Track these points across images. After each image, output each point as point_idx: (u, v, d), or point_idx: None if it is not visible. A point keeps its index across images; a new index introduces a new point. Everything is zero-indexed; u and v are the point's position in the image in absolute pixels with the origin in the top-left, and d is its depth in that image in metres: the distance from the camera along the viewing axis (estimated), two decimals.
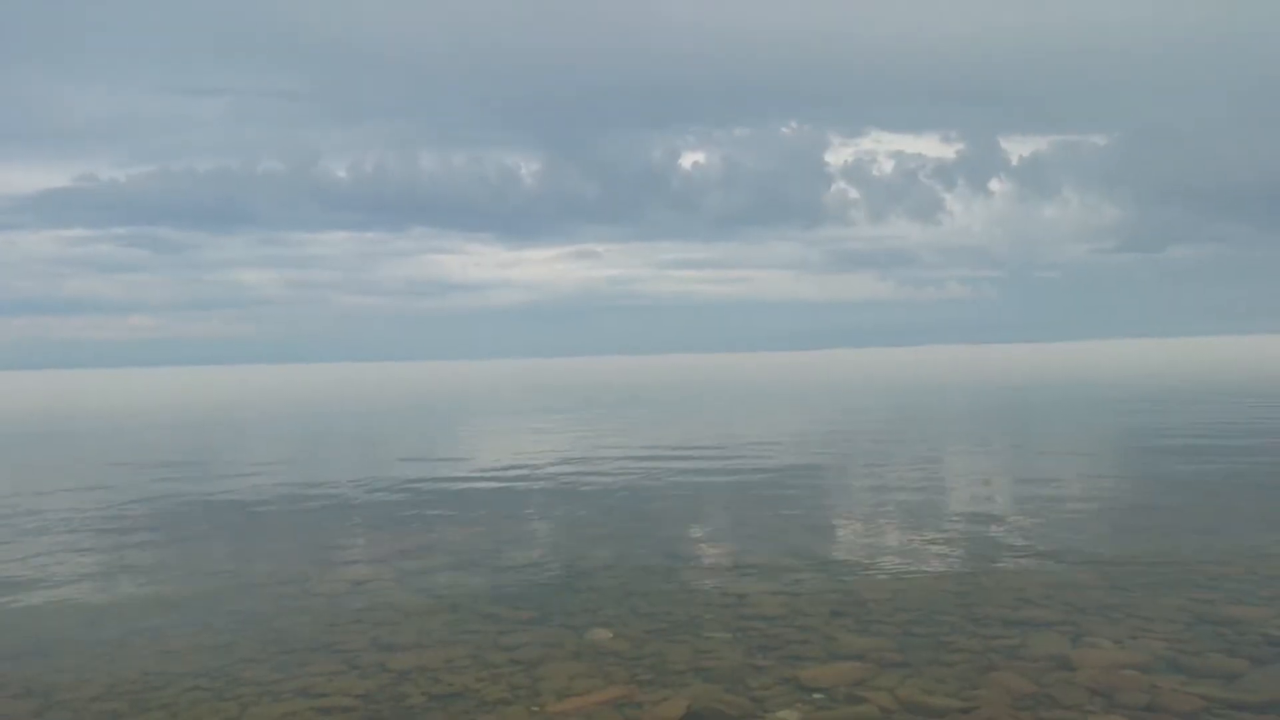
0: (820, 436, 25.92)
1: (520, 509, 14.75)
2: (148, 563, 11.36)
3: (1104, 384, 51.27)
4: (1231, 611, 8.00)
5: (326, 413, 45.50)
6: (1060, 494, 14.64)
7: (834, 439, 25.02)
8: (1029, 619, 7.96)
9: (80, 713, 6.39)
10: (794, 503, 14.64)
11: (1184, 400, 35.92)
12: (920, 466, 18.55)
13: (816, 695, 6.38)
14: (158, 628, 8.38)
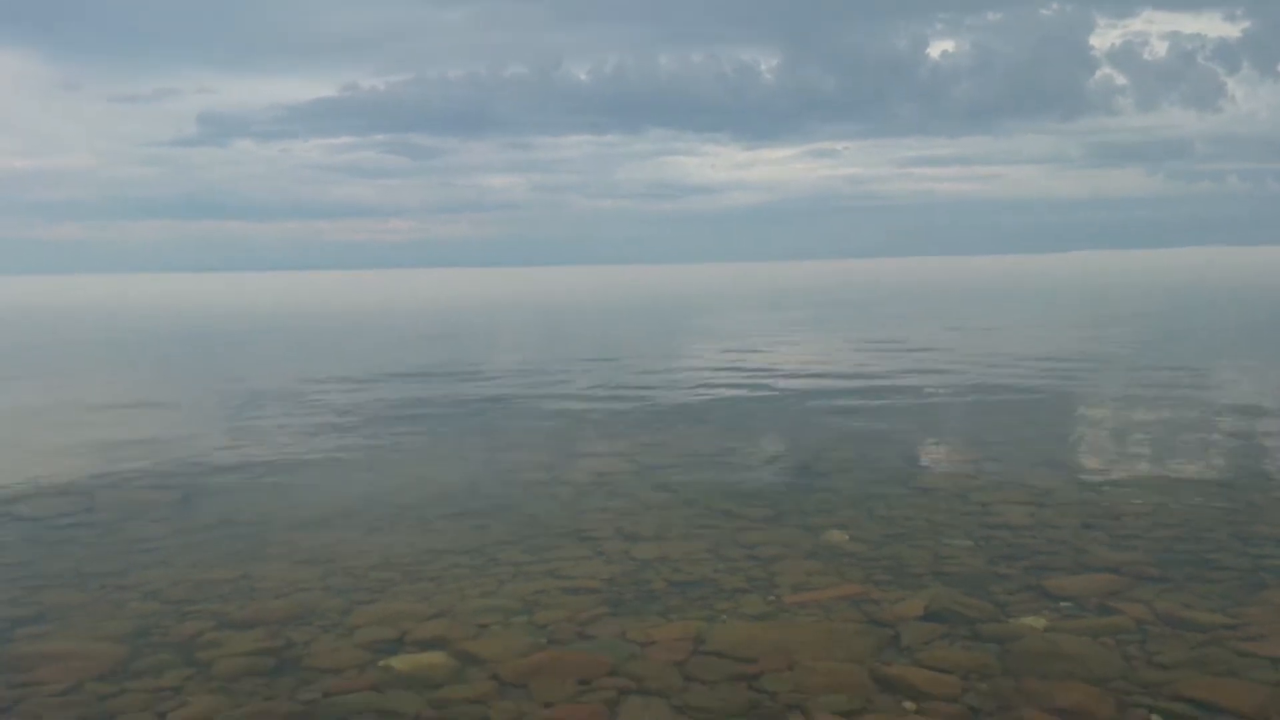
0: (1073, 343, 24.51)
1: (754, 410, 14.88)
2: (413, 451, 12.31)
3: None
4: None
5: (567, 315, 47.26)
6: None
7: (1089, 346, 23.59)
8: None
9: (360, 579, 7.08)
10: (1042, 411, 14.00)
11: None
12: (1186, 377, 17.24)
13: (1064, 604, 6.17)
14: (423, 509, 9.11)
